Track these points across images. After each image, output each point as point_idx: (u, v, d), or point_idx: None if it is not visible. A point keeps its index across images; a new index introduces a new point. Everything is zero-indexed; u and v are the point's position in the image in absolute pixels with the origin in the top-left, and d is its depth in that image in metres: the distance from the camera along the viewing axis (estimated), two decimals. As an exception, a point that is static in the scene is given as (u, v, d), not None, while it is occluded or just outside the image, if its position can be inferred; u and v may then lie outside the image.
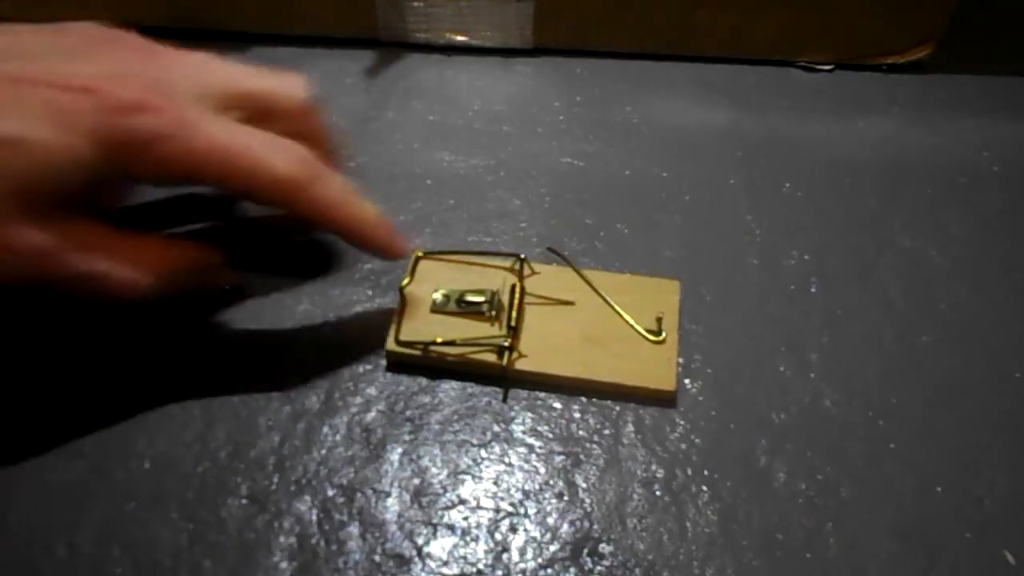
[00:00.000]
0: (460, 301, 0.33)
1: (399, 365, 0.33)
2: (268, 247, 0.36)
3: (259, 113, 0.29)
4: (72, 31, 0.28)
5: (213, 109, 0.28)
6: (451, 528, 0.29)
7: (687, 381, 0.33)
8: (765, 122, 0.43)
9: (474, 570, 0.28)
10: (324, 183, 0.29)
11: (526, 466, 0.30)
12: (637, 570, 0.28)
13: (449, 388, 0.32)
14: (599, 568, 0.28)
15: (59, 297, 0.33)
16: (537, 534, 0.29)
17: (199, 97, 0.28)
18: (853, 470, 0.30)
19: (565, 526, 0.29)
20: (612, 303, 0.33)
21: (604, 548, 0.28)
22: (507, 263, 0.35)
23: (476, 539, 0.28)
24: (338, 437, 0.31)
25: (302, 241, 0.37)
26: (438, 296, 0.33)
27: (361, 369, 0.33)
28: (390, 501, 0.29)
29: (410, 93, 0.44)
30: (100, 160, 0.25)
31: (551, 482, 0.30)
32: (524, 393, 0.32)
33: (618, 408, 0.32)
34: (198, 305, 0.34)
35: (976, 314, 0.35)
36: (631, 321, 0.33)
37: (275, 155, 0.27)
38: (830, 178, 0.40)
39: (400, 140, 0.41)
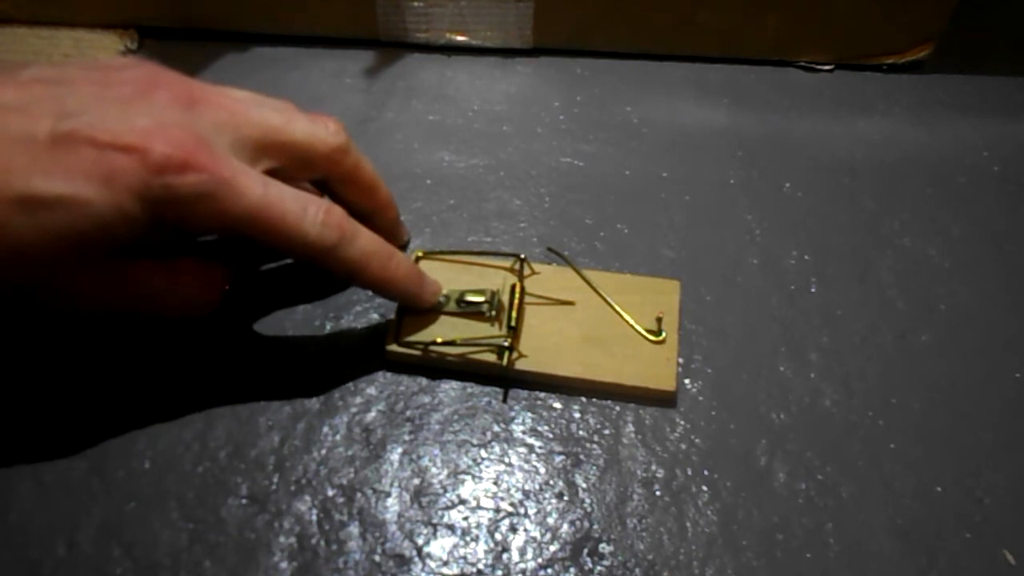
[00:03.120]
0: (460, 301, 0.33)
1: (399, 365, 0.33)
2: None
3: (295, 161, 0.30)
4: (117, 77, 0.28)
5: (250, 159, 0.29)
6: (451, 528, 0.29)
7: (687, 381, 0.33)
8: (765, 122, 0.43)
9: (474, 570, 0.28)
10: (352, 244, 0.29)
11: (526, 466, 0.30)
12: (637, 570, 0.28)
13: (449, 388, 0.32)
14: (599, 568, 0.28)
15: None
16: (537, 534, 0.29)
17: (237, 147, 0.28)
18: (853, 470, 0.30)
19: (565, 526, 0.29)
20: (612, 303, 0.33)
21: (604, 548, 0.28)
22: (507, 263, 0.35)
23: (476, 539, 0.28)
24: (338, 437, 0.31)
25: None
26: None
27: (361, 369, 0.33)
28: (390, 501, 0.29)
29: (410, 93, 0.44)
30: (144, 218, 0.26)
31: (551, 482, 0.30)
32: (524, 393, 0.32)
33: (618, 408, 0.32)
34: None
35: (976, 314, 0.35)
36: (631, 321, 0.33)
37: (306, 218, 0.28)
38: (830, 178, 0.40)
39: (400, 140, 0.41)
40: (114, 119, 0.26)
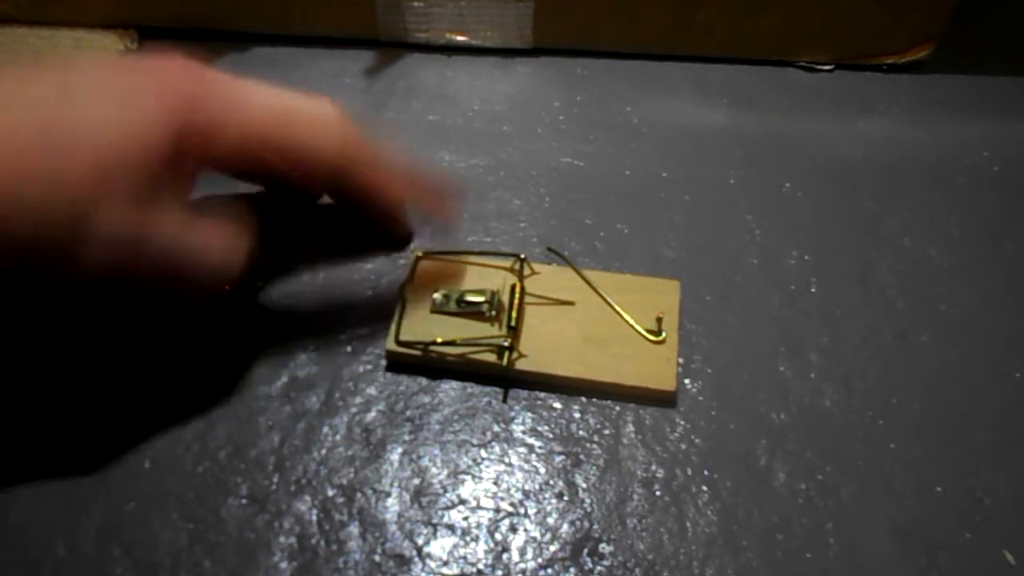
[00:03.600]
0: (460, 301, 0.33)
1: (399, 365, 0.33)
2: (268, 249, 0.36)
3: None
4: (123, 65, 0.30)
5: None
6: (451, 528, 0.29)
7: (687, 381, 0.33)
8: (765, 122, 0.43)
9: (474, 570, 0.28)
10: (362, 150, 0.31)
11: (526, 466, 0.30)
12: (637, 570, 0.28)
13: (449, 388, 0.32)
14: (599, 568, 0.28)
15: (59, 296, 0.33)
16: (537, 534, 0.29)
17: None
18: (853, 470, 0.30)
19: (565, 526, 0.29)
20: (612, 303, 0.33)
21: (604, 548, 0.28)
22: (507, 263, 0.35)
23: (476, 539, 0.28)
24: (338, 437, 0.31)
25: (302, 241, 0.36)
26: (438, 296, 0.33)
27: (361, 369, 0.33)
28: (390, 501, 0.29)
29: (410, 93, 0.44)
30: (169, 139, 0.27)
31: (551, 482, 0.30)
32: (524, 393, 0.32)
33: (618, 408, 0.32)
34: (198, 304, 0.34)
35: (976, 314, 0.35)
36: (631, 321, 0.33)
37: (327, 109, 0.30)
38: (830, 178, 0.40)
39: (400, 140, 0.41)
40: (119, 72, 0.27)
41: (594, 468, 0.30)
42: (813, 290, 0.36)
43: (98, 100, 0.26)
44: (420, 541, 0.28)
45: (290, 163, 0.30)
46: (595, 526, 0.29)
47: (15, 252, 0.25)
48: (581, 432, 0.31)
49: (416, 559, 0.28)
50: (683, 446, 0.31)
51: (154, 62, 0.28)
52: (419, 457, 0.30)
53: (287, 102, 0.30)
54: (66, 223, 0.26)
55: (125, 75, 0.27)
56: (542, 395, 0.32)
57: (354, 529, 0.29)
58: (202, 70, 0.28)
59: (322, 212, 0.37)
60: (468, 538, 0.29)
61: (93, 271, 0.27)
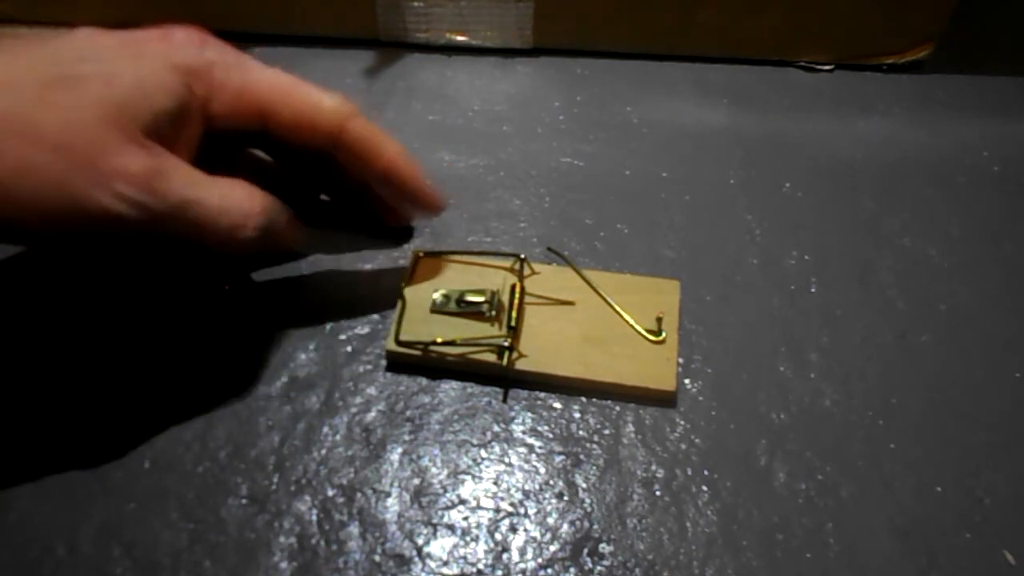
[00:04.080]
0: (460, 301, 0.33)
1: (399, 365, 0.33)
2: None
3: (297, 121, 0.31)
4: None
5: None
6: (451, 528, 0.29)
7: (687, 381, 0.33)
8: (765, 122, 0.43)
9: (474, 570, 0.28)
10: (368, 128, 0.31)
11: (526, 466, 0.30)
12: (637, 570, 0.28)
13: (449, 388, 0.32)
14: (599, 568, 0.28)
15: (59, 295, 0.33)
16: (537, 534, 0.29)
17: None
18: (853, 470, 0.30)
19: (565, 526, 0.29)
20: (612, 303, 0.33)
21: (604, 548, 0.28)
22: (507, 263, 0.35)
23: (476, 539, 0.28)
24: (338, 437, 0.31)
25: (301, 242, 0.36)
26: (438, 296, 0.33)
27: (361, 369, 0.33)
28: (390, 501, 0.29)
29: (410, 93, 0.44)
30: (177, 85, 0.28)
31: (551, 482, 0.30)
32: (524, 393, 0.32)
33: (618, 408, 0.32)
34: (198, 305, 0.34)
35: (976, 314, 0.35)
36: (631, 321, 0.33)
37: (322, 96, 0.31)
38: (830, 178, 0.40)
39: (400, 140, 0.41)
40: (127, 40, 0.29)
41: (594, 468, 0.30)
42: (813, 290, 0.36)
43: (108, 53, 0.27)
44: (420, 541, 0.28)
45: (289, 120, 0.30)
46: (595, 526, 0.29)
47: (38, 203, 0.25)
48: (581, 432, 0.31)
49: (416, 559, 0.28)
50: (683, 446, 0.31)
51: (159, 28, 0.30)
52: (419, 457, 0.30)
53: (292, 77, 0.31)
54: (83, 165, 0.26)
55: (131, 35, 0.29)
56: (542, 395, 0.32)
57: (354, 529, 0.29)
58: (205, 33, 0.30)
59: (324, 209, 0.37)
60: (468, 538, 0.29)
61: (113, 224, 0.26)
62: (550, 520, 0.29)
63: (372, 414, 0.32)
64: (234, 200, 0.29)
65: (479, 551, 0.28)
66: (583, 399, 0.32)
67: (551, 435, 0.31)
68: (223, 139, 0.30)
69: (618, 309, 0.33)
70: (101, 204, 0.26)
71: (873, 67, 0.45)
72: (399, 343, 0.32)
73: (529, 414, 0.32)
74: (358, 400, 0.32)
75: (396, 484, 0.30)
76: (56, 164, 0.25)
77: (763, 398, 0.32)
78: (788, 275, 0.36)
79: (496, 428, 0.31)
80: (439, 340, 0.32)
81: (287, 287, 0.35)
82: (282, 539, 0.28)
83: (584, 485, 0.30)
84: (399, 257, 0.36)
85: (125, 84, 0.27)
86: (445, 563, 0.28)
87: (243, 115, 0.30)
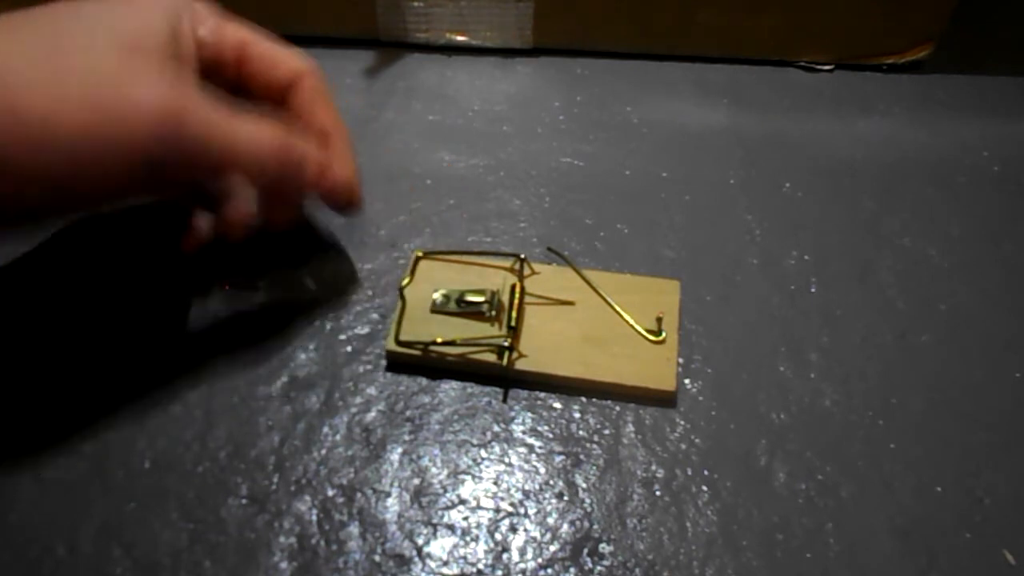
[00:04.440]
0: (460, 301, 0.33)
1: (399, 365, 0.33)
2: (269, 249, 0.36)
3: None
4: None
5: None
6: (451, 528, 0.29)
7: (687, 381, 0.33)
8: (765, 122, 0.43)
9: (474, 570, 0.28)
10: (324, 81, 0.33)
11: (526, 466, 0.30)
12: (637, 570, 0.28)
13: (449, 388, 0.32)
14: (599, 568, 0.28)
15: (59, 296, 0.33)
16: (537, 534, 0.29)
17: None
18: (853, 470, 0.30)
19: (565, 526, 0.29)
20: (612, 303, 0.33)
21: (604, 548, 0.28)
22: (507, 263, 0.35)
23: (476, 539, 0.28)
24: (338, 437, 0.31)
25: (301, 242, 0.36)
26: (438, 296, 0.33)
27: (361, 369, 0.33)
28: (390, 501, 0.29)
29: (410, 93, 0.44)
30: (167, 14, 0.28)
31: (551, 482, 0.30)
32: (524, 393, 0.32)
33: (618, 408, 0.32)
34: (198, 305, 0.34)
35: (976, 314, 0.35)
36: (631, 321, 0.33)
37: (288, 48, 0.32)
38: (830, 178, 0.40)
39: (400, 140, 0.41)
40: None
41: (594, 468, 0.30)
42: (813, 290, 0.36)
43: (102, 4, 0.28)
44: (420, 541, 0.28)
45: (262, 55, 0.32)
46: (595, 526, 0.29)
47: (72, 151, 0.25)
48: (581, 432, 0.31)
49: (416, 559, 0.28)
50: (683, 446, 0.31)
51: None
52: (419, 457, 0.30)
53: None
54: (111, 103, 0.25)
55: None
56: (542, 395, 0.32)
57: (354, 529, 0.29)
58: None
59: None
60: (468, 538, 0.28)
61: (144, 166, 0.26)
62: (550, 520, 0.29)
63: (372, 414, 0.32)
64: (263, 129, 0.29)
65: (479, 551, 0.28)
66: (583, 399, 0.32)
67: (551, 435, 0.31)
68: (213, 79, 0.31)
69: (618, 309, 0.33)
70: (134, 137, 0.26)
71: (873, 67, 0.45)
72: (399, 343, 0.32)
73: (529, 414, 0.32)
74: (358, 400, 0.32)
75: (396, 484, 0.30)
76: (84, 106, 0.25)
77: (763, 398, 0.32)
78: (788, 275, 0.36)
79: (496, 428, 0.31)
80: (439, 340, 0.32)
81: (287, 287, 0.35)
82: (282, 539, 0.28)
83: (584, 485, 0.30)
84: (399, 257, 0.36)
85: (127, 19, 0.27)
86: (445, 563, 0.28)
87: (224, 45, 0.31)
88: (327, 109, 0.33)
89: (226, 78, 0.31)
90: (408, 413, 0.32)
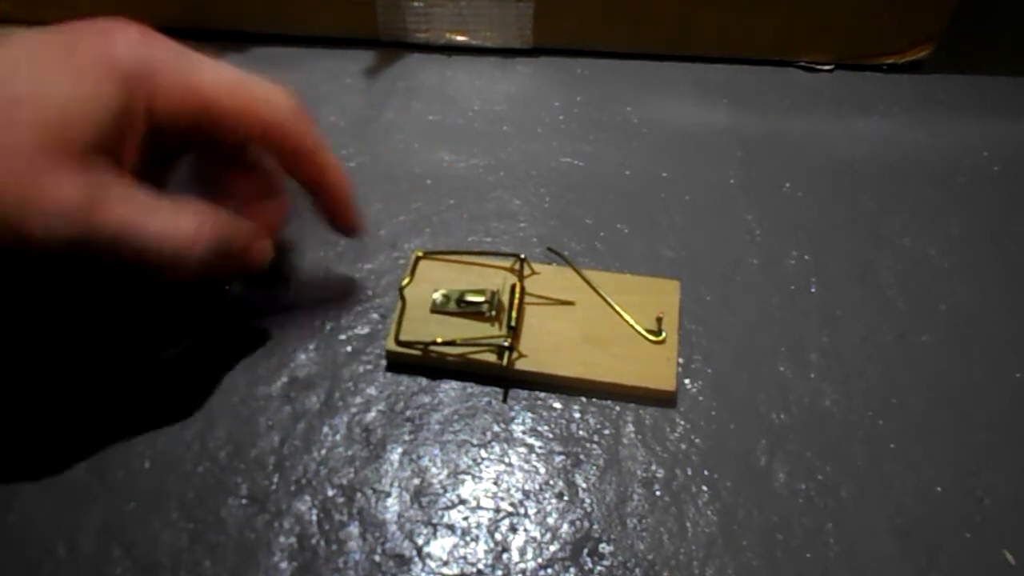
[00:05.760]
0: (460, 301, 0.33)
1: (399, 365, 0.33)
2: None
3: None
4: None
5: None
6: (451, 528, 0.29)
7: (687, 381, 0.33)
8: (765, 122, 0.43)
9: (474, 570, 0.28)
10: (310, 126, 0.30)
11: (526, 466, 0.30)
12: (637, 570, 0.28)
13: (449, 388, 0.32)
14: (599, 568, 0.28)
15: (59, 294, 0.33)
16: (537, 534, 0.29)
17: None
18: (853, 470, 0.30)
19: (565, 526, 0.29)
20: (612, 303, 0.33)
21: (604, 548, 0.28)
22: (507, 263, 0.35)
23: (476, 539, 0.28)
24: (338, 437, 0.31)
25: (301, 242, 0.36)
26: (438, 296, 0.33)
27: (361, 369, 0.33)
28: (390, 501, 0.29)
29: (410, 93, 0.44)
30: (118, 95, 0.26)
31: (551, 482, 0.30)
32: (524, 393, 0.32)
33: (618, 408, 0.32)
34: (198, 305, 0.34)
35: (976, 314, 0.35)
36: (631, 321, 0.33)
37: (267, 90, 0.30)
38: (830, 178, 0.40)
39: (400, 140, 0.41)
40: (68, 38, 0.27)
41: (594, 468, 0.30)
42: (813, 290, 0.36)
43: (45, 64, 0.26)
44: (420, 541, 0.28)
45: (233, 113, 0.29)
46: (595, 526, 0.29)
47: None
48: (581, 432, 0.31)
49: (416, 559, 0.28)
50: (683, 446, 0.31)
51: (98, 23, 0.28)
52: (419, 457, 0.30)
53: (237, 72, 0.30)
54: (15, 195, 0.25)
55: (69, 35, 0.27)
56: (542, 395, 0.32)
57: (354, 529, 0.29)
58: (148, 30, 0.28)
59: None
60: (468, 538, 0.28)
61: (49, 246, 0.26)
62: (550, 520, 0.29)
63: (372, 414, 0.32)
64: (179, 224, 0.28)
65: (479, 551, 0.28)
66: (583, 399, 0.32)
67: (551, 435, 0.31)
68: (171, 139, 0.29)
69: (618, 309, 0.33)
70: (34, 234, 0.25)
71: (873, 67, 0.45)
72: (399, 343, 0.32)
73: (529, 414, 0.32)
74: (358, 400, 0.32)
75: (396, 484, 0.30)
76: None
77: (763, 398, 0.32)
78: (788, 275, 0.36)
79: (496, 428, 0.31)
80: (439, 340, 0.32)
81: (287, 287, 0.35)
82: (282, 539, 0.28)
83: (584, 485, 0.30)
84: (399, 257, 0.36)
85: (61, 103, 0.25)
86: (445, 563, 0.28)
87: (188, 112, 0.29)
88: (308, 153, 0.31)
89: (198, 135, 0.30)
90: (408, 413, 0.32)
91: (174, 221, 0.28)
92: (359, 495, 0.29)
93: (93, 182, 0.26)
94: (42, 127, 0.25)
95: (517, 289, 0.33)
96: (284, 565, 0.28)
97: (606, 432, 0.31)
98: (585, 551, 0.28)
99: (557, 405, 0.32)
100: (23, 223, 0.25)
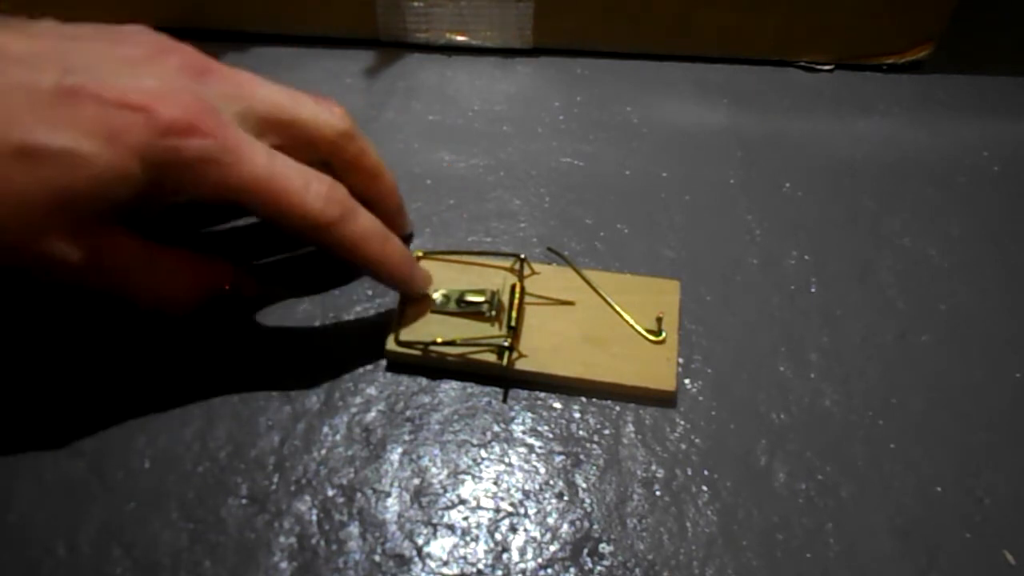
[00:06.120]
0: (460, 301, 0.33)
1: (399, 365, 0.33)
2: (269, 249, 0.36)
3: (299, 142, 0.30)
4: (128, 39, 0.28)
5: (255, 133, 0.28)
6: (451, 528, 0.29)
7: (687, 381, 0.33)
8: (765, 122, 0.43)
9: (474, 570, 0.28)
10: (352, 222, 0.29)
11: (526, 466, 0.30)
12: (637, 570, 0.28)
13: (449, 388, 0.32)
14: (599, 568, 0.28)
15: (59, 295, 0.33)
16: (537, 534, 0.29)
17: (243, 119, 0.28)
18: (853, 470, 0.30)
19: (565, 526, 0.29)
20: (612, 303, 0.33)
21: (604, 548, 0.28)
22: (507, 263, 0.35)
23: (476, 539, 0.28)
24: (338, 437, 0.31)
25: (301, 242, 0.36)
26: (438, 296, 0.33)
27: (361, 369, 0.33)
28: (390, 501, 0.29)
29: (410, 93, 0.44)
30: (145, 179, 0.26)
31: (551, 482, 0.30)
32: (524, 393, 0.32)
33: (618, 408, 0.32)
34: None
35: (976, 314, 0.35)
36: (631, 321, 0.33)
37: (310, 191, 0.28)
38: (830, 178, 0.40)
39: (400, 140, 0.41)
40: (122, 78, 0.26)
41: (594, 468, 0.30)
42: (813, 290, 0.36)
43: (78, 128, 0.25)
44: (420, 541, 0.28)
45: (270, 216, 0.29)
46: (595, 526, 0.29)
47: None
48: (581, 432, 0.31)
49: (416, 559, 0.28)
50: (683, 446, 0.31)
51: (158, 42, 0.28)
52: (419, 457, 0.30)
53: (282, 160, 0.29)
54: (19, 244, 0.25)
55: (118, 87, 0.26)
56: (542, 395, 0.32)
57: (354, 529, 0.29)
58: (206, 60, 0.28)
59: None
60: (468, 538, 0.29)
61: (50, 281, 0.27)
62: (550, 520, 0.29)
63: (372, 414, 0.32)
64: (175, 282, 0.29)
65: (479, 551, 0.28)
66: (583, 399, 0.32)
67: (551, 435, 0.31)
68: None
69: (618, 309, 0.33)
70: (31, 274, 0.27)
71: (873, 67, 0.45)
72: (399, 343, 0.32)
73: (529, 414, 0.32)
74: (358, 400, 0.32)
75: (396, 484, 0.30)
76: (1, 234, 0.25)
77: (763, 398, 0.32)
78: (788, 275, 0.36)
79: (496, 428, 0.31)
80: (439, 340, 0.32)
81: (287, 287, 0.35)
82: (282, 539, 0.28)
83: (584, 485, 0.30)
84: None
85: (83, 172, 0.25)
86: (445, 563, 0.28)
87: (218, 202, 0.29)
88: (367, 248, 0.30)
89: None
90: (408, 413, 0.32)
91: (170, 279, 0.29)
92: (359, 495, 0.29)
93: (96, 241, 0.27)
94: (61, 195, 0.25)
95: (517, 289, 0.33)
96: (284, 565, 0.28)
97: (606, 432, 0.31)
98: (585, 551, 0.28)
99: (557, 405, 0.32)
100: (23, 265, 0.26)
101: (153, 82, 0.26)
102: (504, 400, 0.32)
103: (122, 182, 0.26)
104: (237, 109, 0.28)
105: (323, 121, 0.31)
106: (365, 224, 0.30)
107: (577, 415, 0.32)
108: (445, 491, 0.30)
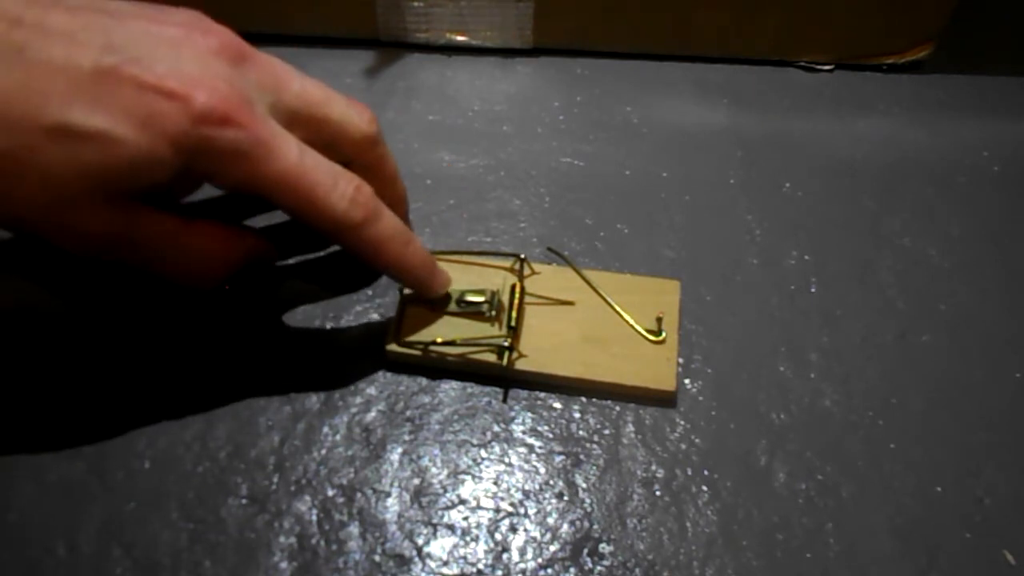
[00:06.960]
0: (460, 301, 0.33)
1: (399, 365, 0.33)
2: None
3: (326, 140, 0.30)
4: (168, 18, 0.28)
5: (284, 122, 0.28)
6: (451, 528, 0.29)
7: (687, 381, 0.33)
8: (765, 122, 0.43)
9: (474, 570, 0.28)
10: (376, 224, 0.29)
11: (526, 466, 0.30)
12: (637, 570, 0.28)
13: (449, 388, 0.32)
14: (599, 568, 0.28)
15: (59, 295, 0.33)
16: (537, 534, 0.29)
17: (274, 108, 0.28)
18: (853, 470, 0.30)
19: (565, 526, 0.29)
20: (612, 303, 0.33)
21: (604, 548, 0.28)
22: (507, 263, 0.35)
23: (476, 539, 0.28)
24: (338, 437, 0.31)
25: (301, 242, 0.36)
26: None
27: (361, 369, 0.33)
28: (390, 501, 0.29)
29: (410, 93, 0.44)
30: (179, 165, 0.26)
31: (551, 482, 0.30)
32: (524, 393, 0.32)
33: (618, 408, 0.32)
34: (198, 305, 0.34)
35: (976, 314, 0.35)
36: (631, 321, 0.33)
37: (336, 191, 0.28)
38: (830, 178, 0.40)
39: (400, 140, 0.41)
40: (160, 61, 0.26)
41: (594, 468, 0.30)
42: (813, 290, 0.36)
43: (115, 111, 0.25)
44: (420, 541, 0.28)
45: (296, 214, 0.29)
46: (595, 526, 0.29)
47: (11, 222, 0.27)
48: (581, 432, 0.31)
49: (416, 559, 0.28)
50: (683, 446, 0.31)
51: (198, 21, 0.28)
52: (419, 457, 0.30)
53: (312, 156, 0.29)
54: (54, 216, 0.26)
55: (169, 29, 0.27)
56: (542, 395, 0.32)
57: (354, 529, 0.29)
58: (244, 45, 0.28)
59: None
60: (468, 538, 0.29)
61: (83, 255, 0.28)
62: (550, 520, 0.29)
63: (372, 414, 0.32)
64: (205, 256, 0.30)
65: (479, 551, 0.28)
66: (583, 399, 0.32)
67: (551, 435, 0.31)
68: None
69: (618, 309, 0.33)
70: (64, 245, 0.27)
71: (873, 67, 0.45)
72: (399, 343, 0.32)
73: (529, 414, 0.32)
74: (358, 400, 0.32)
75: (396, 484, 0.30)
76: (31, 205, 0.26)
77: (763, 398, 0.32)
78: (788, 275, 0.36)
79: (496, 428, 0.31)
80: (439, 340, 0.32)
81: (287, 286, 0.35)
82: (282, 539, 0.28)
83: (584, 485, 0.30)
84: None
85: (117, 154, 0.25)
86: (445, 563, 0.28)
87: (247, 193, 0.29)
88: (390, 253, 0.31)
89: None
90: (408, 413, 0.32)
91: (201, 248, 0.29)
92: (359, 495, 0.29)
93: (128, 217, 0.27)
94: (96, 174, 0.25)
95: (517, 289, 0.33)
96: (284, 565, 0.28)
97: (606, 432, 0.31)
98: (585, 551, 0.28)
99: (557, 405, 0.32)
100: (56, 235, 0.27)
101: (191, 67, 0.26)
102: (504, 400, 0.32)
103: (153, 167, 0.26)
104: (271, 100, 0.28)
105: (351, 123, 0.31)
106: (389, 226, 0.30)
107: (577, 415, 0.32)
108: (445, 491, 0.30)
